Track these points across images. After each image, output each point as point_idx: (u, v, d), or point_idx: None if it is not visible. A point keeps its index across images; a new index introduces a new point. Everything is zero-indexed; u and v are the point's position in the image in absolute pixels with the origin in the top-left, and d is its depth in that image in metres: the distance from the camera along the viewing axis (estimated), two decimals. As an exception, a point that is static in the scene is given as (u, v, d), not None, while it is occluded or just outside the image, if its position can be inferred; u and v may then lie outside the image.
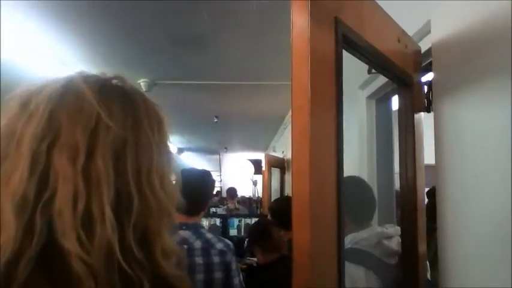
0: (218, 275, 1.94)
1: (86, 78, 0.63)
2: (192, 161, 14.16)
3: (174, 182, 0.69)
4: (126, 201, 0.58)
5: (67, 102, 0.59)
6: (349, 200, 1.67)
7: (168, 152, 0.68)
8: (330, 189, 0.96)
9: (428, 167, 1.51)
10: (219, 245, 1.99)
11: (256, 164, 9.74)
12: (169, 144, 0.69)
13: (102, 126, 0.58)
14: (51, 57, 4.23)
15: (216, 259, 1.94)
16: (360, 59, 1.19)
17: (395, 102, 2.22)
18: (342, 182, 0.97)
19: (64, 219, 0.53)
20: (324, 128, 0.94)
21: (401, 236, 1.50)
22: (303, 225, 0.88)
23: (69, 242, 0.52)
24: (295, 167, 0.91)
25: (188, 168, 2.17)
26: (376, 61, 1.26)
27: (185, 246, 1.92)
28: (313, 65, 0.91)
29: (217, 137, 10.45)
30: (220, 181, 13.60)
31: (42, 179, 0.54)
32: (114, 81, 0.66)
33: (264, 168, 7.22)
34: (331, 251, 0.96)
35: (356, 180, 1.89)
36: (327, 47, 0.98)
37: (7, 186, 0.54)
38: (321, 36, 0.95)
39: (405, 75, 1.40)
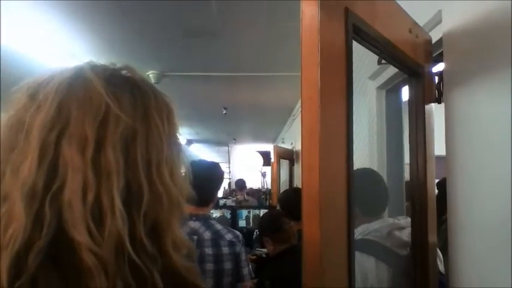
0: (228, 265, 1.95)
1: (95, 68, 0.62)
2: (201, 152, 14.20)
3: (184, 173, 0.68)
4: (136, 193, 0.57)
5: (76, 93, 0.58)
6: (361, 192, 1.68)
7: (178, 144, 0.67)
8: (340, 182, 0.95)
9: (438, 158, 1.50)
10: (229, 236, 2.00)
11: (265, 155, 9.75)
12: (178, 135, 0.68)
13: (112, 117, 0.57)
14: (61, 49, 4.24)
15: (225, 250, 1.96)
16: (370, 49, 1.18)
17: (405, 92, 2.21)
18: (352, 174, 0.97)
19: (74, 210, 0.53)
20: (334, 120, 0.94)
21: (412, 227, 1.50)
22: (313, 220, 0.88)
23: (79, 234, 0.52)
24: (305, 160, 0.90)
25: (197, 159, 2.18)
26: (387, 52, 1.24)
27: (195, 237, 1.94)
28: (322, 56, 0.90)
29: (226, 129, 10.46)
30: (229, 173, 13.63)
31: (52, 169, 0.54)
32: (124, 72, 0.66)
33: (272, 160, 7.22)
34: (341, 242, 0.96)
35: (368, 172, 1.89)
36: (337, 37, 0.97)
37: (16, 176, 0.54)
38: (330, 26, 0.94)
39: (416, 65, 1.39)
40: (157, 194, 0.59)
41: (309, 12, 0.92)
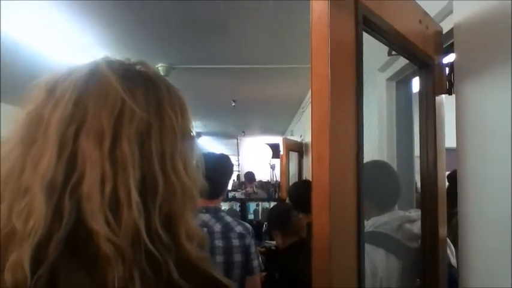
0: (238, 257, 1.96)
1: (110, 64, 0.64)
2: (210, 145, 14.24)
3: (196, 166, 0.69)
4: (151, 184, 0.59)
5: (92, 88, 0.60)
6: (373, 185, 1.68)
7: (191, 137, 0.69)
8: (349, 174, 0.95)
9: (448, 150, 1.49)
10: (239, 228, 2.01)
11: (274, 148, 9.74)
12: (192, 129, 0.70)
13: (127, 111, 0.59)
14: (70, 42, 4.26)
15: (235, 242, 1.96)
16: (380, 40, 1.18)
17: (415, 84, 2.19)
18: (362, 165, 0.97)
19: (92, 202, 0.55)
20: (344, 111, 0.94)
21: (422, 220, 1.49)
22: (323, 212, 0.89)
23: (97, 224, 0.54)
24: (314, 151, 0.90)
25: (207, 152, 2.19)
26: (397, 43, 1.24)
27: (205, 230, 1.95)
28: (332, 48, 0.90)
29: (235, 121, 10.45)
30: (238, 165, 13.65)
31: (70, 163, 0.56)
32: (138, 67, 0.68)
33: (282, 152, 7.21)
34: (351, 233, 0.96)
35: (380, 165, 1.89)
36: (347, 29, 0.97)
37: (36, 170, 0.56)
38: (340, 18, 0.94)
39: (426, 56, 1.37)
40: (171, 186, 0.61)
41: (319, 4, 0.91)
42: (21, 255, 0.52)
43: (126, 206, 0.56)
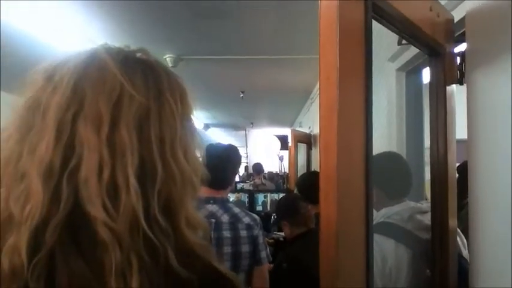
0: (245, 248, 1.96)
1: (109, 51, 0.64)
2: (218, 136, 14.26)
3: (198, 154, 0.69)
4: (150, 170, 0.59)
5: (91, 74, 0.60)
6: (384, 175, 1.67)
7: (191, 125, 0.69)
8: (358, 163, 0.94)
9: (459, 141, 1.47)
10: (246, 219, 2.00)
11: (283, 139, 9.74)
12: (192, 117, 0.69)
13: (126, 97, 0.59)
14: (77, 34, 4.26)
15: (243, 233, 1.96)
16: (389, 28, 1.16)
17: (426, 75, 2.16)
18: (370, 156, 0.96)
19: (90, 187, 0.55)
20: (353, 100, 0.92)
21: (431, 211, 1.48)
22: (330, 200, 0.88)
23: (95, 209, 0.54)
24: (322, 139, 0.89)
25: (215, 143, 2.18)
26: (407, 31, 1.21)
27: (213, 220, 1.95)
28: (341, 35, 0.89)
29: (243, 113, 10.45)
30: (247, 157, 13.67)
31: (68, 148, 0.56)
32: (138, 54, 0.67)
33: (290, 144, 7.20)
34: (359, 226, 0.95)
35: (392, 156, 1.89)
36: (356, 16, 0.95)
37: (34, 155, 0.56)
38: (349, 5, 0.92)
39: (437, 45, 1.35)
40: (170, 172, 0.61)
41: (327, -9, 0.89)
42: (18, 240, 0.53)
43: (124, 192, 0.55)
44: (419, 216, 1.66)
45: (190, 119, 0.68)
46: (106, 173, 0.55)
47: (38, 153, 0.55)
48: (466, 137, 1.40)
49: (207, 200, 1.98)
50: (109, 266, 0.53)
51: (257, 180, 7.16)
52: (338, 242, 0.88)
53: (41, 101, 0.58)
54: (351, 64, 0.92)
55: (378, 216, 1.69)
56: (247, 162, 13.23)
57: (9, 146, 0.58)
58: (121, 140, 0.57)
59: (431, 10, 1.30)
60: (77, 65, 0.60)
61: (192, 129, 0.68)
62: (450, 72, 1.42)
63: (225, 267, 0.66)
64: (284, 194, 4.87)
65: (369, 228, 0.96)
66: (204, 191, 1.96)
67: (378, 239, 1.56)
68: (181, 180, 0.62)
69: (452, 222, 1.44)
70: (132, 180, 0.56)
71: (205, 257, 0.63)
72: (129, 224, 0.55)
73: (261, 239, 2.02)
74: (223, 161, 2.04)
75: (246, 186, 6.91)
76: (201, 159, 0.69)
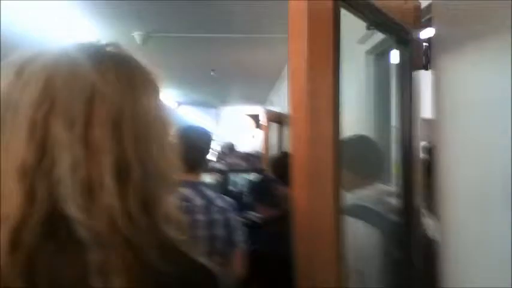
0: (220, 231, 1.96)
1: (81, 46, 0.63)
2: (190, 114, 14.12)
3: (173, 145, 0.69)
4: (126, 168, 0.58)
5: (62, 71, 0.58)
6: (355, 158, 1.71)
7: (166, 118, 0.68)
8: (328, 151, 0.97)
9: (426, 120, 1.51)
10: (220, 202, 2.01)
11: (255, 118, 9.72)
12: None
13: (98, 95, 0.58)
14: (45, 10, 4.10)
15: (217, 216, 1.97)
16: (358, 16, 1.17)
17: (394, 56, 2.19)
18: (339, 144, 0.99)
19: (65, 186, 0.54)
20: (322, 91, 0.95)
21: (398, 189, 1.53)
22: (302, 188, 0.91)
23: (71, 209, 0.54)
24: (294, 131, 0.92)
25: (186, 126, 2.17)
26: (375, 19, 1.23)
27: (186, 204, 1.95)
28: (310, 25, 0.90)
29: (214, 91, 10.36)
30: (218, 135, 13.62)
31: (41, 147, 0.55)
32: (109, 48, 0.66)
33: (262, 123, 7.21)
34: (329, 208, 0.98)
35: (363, 139, 1.92)
36: (325, 6, 0.96)
37: (6, 154, 0.55)
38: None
39: (404, 32, 1.38)
40: (146, 169, 0.61)
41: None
42: None
43: (99, 191, 0.55)
44: (388, 198, 1.71)
45: (164, 112, 0.68)
46: (80, 172, 0.55)
47: (11, 151, 0.55)
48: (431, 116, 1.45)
49: (180, 184, 1.98)
50: (90, 265, 0.53)
51: (230, 160, 7.15)
52: (310, 224, 0.91)
53: (12, 97, 0.57)
54: (320, 55, 0.93)
55: (349, 198, 1.73)
56: (219, 141, 13.18)
57: None
58: (94, 138, 0.56)
59: (399, -3, 1.32)
60: (48, 61, 0.59)
61: (166, 121, 0.67)
62: (417, 58, 1.46)
63: (204, 258, 0.66)
64: (257, 174, 4.91)
65: (339, 211, 1.00)
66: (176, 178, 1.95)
67: (349, 221, 1.60)
68: (157, 176, 0.62)
69: (417, 201, 1.49)
70: (108, 179, 0.56)
71: (185, 251, 0.64)
72: (107, 222, 0.55)
73: (235, 223, 2.03)
74: (195, 144, 2.03)
75: (220, 165, 6.90)
76: (175, 150, 0.69)
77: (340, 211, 1.01)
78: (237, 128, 12.38)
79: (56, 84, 0.57)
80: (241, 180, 5.13)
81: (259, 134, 8.39)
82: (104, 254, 0.54)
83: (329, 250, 0.98)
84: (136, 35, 5.13)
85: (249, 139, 11.07)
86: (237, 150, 8.57)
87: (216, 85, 9.16)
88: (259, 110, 8.63)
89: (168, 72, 8.01)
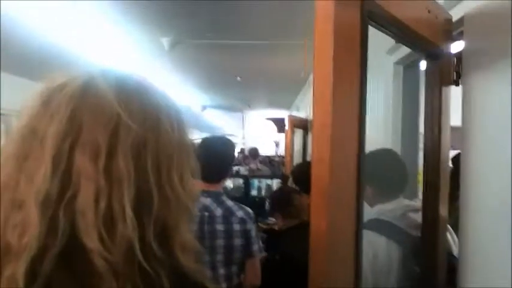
0: (238, 241, 1.98)
1: (106, 76, 0.63)
2: (215, 118, 14.21)
3: (194, 165, 0.69)
4: (147, 199, 0.59)
5: (88, 102, 0.59)
6: (380, 172, 1.68)
7: (188, 148, 0.68)
8: (350, 173, 0.94)
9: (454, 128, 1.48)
10: (240, 213, 2.02)
11: (279, 122, 9.71)
12: (189, 140, 0.69)
13: (123, 126, 0.58)
14: (69, 13, 4.17)
15: (236, 227, 1.98)
16: (386, 34, 1.14)
17: (423, 66, 2.15)
18: (363, 169, 0.96)
19: (86, 218, 0.55)
20: (346, 115, 0.92)
21: (423, 200, 1.49)
22: (320, 210, 0.89)
23: (91, 240, 0.54)
24: (315, 153, 0.90)
25: (209, 136, 2.18)
26: (403, 35, 1.20)
27: (206, 214, 1.96)
28: (336, 45, 0.87)
29: (240, 95, 10.41)
30: (243, 138, 13.66)
31: (65, 177, 0.55)
32: (133, 77, 0.66)
33: (287, 128, 7.19)
34: (349, 235, 0.96)
35: (388, 153, 1.89)
36: (352, 24, 0.94)
37: (31, 185, 0.55)
38: (345, 13, 0.91)
39: (434, 47, 1.34)
40: (166, 199, 0.61)
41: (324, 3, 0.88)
42: (15, 270, 0.52)
43: (121, 222, 0.56)
44: (412, 215, 1.68)
45: (187, 142, 0.68)
46: (102, 204, 0.55)
47: (35, 182, 0.55)
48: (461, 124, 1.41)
49: (201, 194, 1.99)
50: None
51: (252, 165, 7.16)
52: (328, 253, 0.89)
53: (38, 128, 0.58)
54: (346, 78, 0.91)
55: (371, 213, 1.70)
56: (243, 144, 13.23)
57: (7, 172, 0.58)
58: (118, 169, 0.57)
59: (429, 12, 1.28)
60: (74, 92, 0.60)
61: (188, 152, 0.68)
62: (447, 74, 1.42)
63: (217, 286, 0.67)
64: (279, 180, 4.89)
65: (359, 226, 0.97)
66: (198, 185, 1.96)
67: (369, 236, 1.58)
68: (177, 206, 0.62)
69: (443, 211, 1.45)
70: (128, 211, 0.56)
71: (199, 279, 0.64)
72: (125, 254, 0.55)
73: (253, 233, 2.04)
74: (217, 154, 2.04)
75: (242, 170, 6.91)
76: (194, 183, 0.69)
77: (361, 226, 0.98)
78: (261, 132, 12.40)
79: (82, 116, 0.58)
80: (265, 185, 5.11)
81: (283, 140, 8.36)
82: (120, 284, 0.54)
83: (348, 269, 0.96)
84: (164, 41, 5.19)
85: (273, 144, 11.06)
86: (261, 154, 8.57)
87: (241, 90, 9.21)
88: (285, 114, 8.61)
89: (195, 77, 8.10)
